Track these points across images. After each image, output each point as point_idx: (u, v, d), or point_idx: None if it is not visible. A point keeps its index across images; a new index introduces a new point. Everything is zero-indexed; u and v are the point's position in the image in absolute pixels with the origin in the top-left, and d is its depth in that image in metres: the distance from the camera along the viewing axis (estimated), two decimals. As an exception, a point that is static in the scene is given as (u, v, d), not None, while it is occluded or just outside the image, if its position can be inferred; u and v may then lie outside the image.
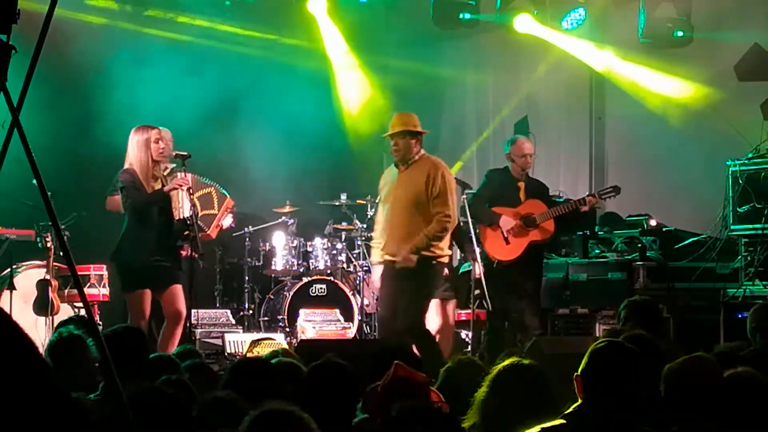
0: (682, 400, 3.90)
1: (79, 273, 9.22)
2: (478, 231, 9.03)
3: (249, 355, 8.01)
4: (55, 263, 9.32)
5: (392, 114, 8.17)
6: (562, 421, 3.59)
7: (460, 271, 10.13)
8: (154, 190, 7.94)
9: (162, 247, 7.99)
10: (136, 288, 7.93)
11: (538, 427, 3.51)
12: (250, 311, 11.00)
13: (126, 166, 7.97)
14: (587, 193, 9.61)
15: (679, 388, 3.95)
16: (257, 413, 3.04)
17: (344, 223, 11.25)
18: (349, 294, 10.54)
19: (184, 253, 8.27)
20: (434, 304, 8.63)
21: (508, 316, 8.94)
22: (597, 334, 9.10)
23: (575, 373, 3.55)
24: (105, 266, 9.60)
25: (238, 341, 9.60)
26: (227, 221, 8.80)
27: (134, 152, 7.94)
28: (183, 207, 8.16)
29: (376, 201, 7.90)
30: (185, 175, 8.11)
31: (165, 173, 8.33)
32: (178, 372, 4.64)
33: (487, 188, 9.04)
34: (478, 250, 8.91)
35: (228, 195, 8.82)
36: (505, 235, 8.75)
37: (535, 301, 8.99)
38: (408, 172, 7.79)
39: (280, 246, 10.86)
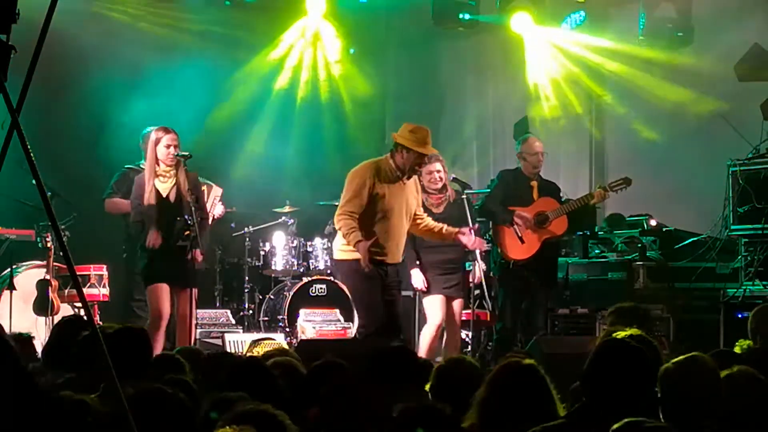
0: (678, 400, 3.90)
1: (79, 273, 9.22)
2: (491, 232, 9.03)
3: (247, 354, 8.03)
4: (55, 263, 9.32)
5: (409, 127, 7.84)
6: (564, 420, 3.60)
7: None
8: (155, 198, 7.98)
9: (178, 247, 8.03)
10: (150, 281, 7.99)
11: (539, 427, 3.52)
12: (250, 311, 11.00)
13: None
14: (587, 193, 9.61)
15: (674, 389, 3.95)
16: (230, 417, 3.04)
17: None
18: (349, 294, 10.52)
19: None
20: (439, 300, 8.63)
21: (519, 318, 8.95)
22: (597, 334, 9.10)
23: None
24: (105, 266, 9.59)
25: (238, 341, 9.59)
26: (218, 210, 8.77)
27: (147, 152, 8.09)
28: (213, 208, 8.23)
29: (382, 209, 7.80)
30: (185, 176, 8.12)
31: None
32: (183, 372, 4.63)
33: (500, 188, 9.05)
34: (479, 251, 8.91)
35: (213, 184, 8.78)
36: (520, 234, 8.76)
37: (545, 301, 8.99)
38: (408, 185, 7.88)
39: (280, 246, 10.86)
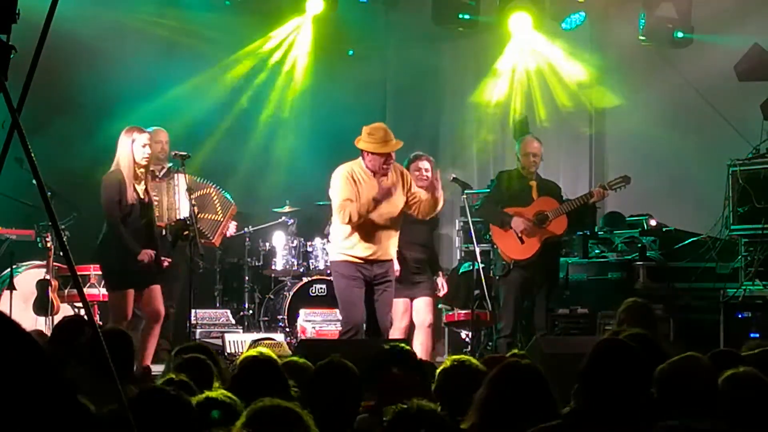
0: (675, 401, 3.89)
1: (79, 273, 9.22)
2: (491, 233, 9.02)
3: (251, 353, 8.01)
4: (55, 263, 9.32)
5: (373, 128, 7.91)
6: (561, 421, 3.59)
7: (460, 271, 10.13)
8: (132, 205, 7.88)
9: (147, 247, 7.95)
10: (118, 288, 7.93)
11: (536, 428, 3.51)
12: (250, 311, 11.00)
13: (113, 167, 7.89)
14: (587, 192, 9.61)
15: (671, 390, 3.94)
16: (255, 409, 3.04)
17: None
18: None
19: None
20: (401, 303, 8.46)
21: (519, 318, 8.94)
22: (597, 334, 9.10)
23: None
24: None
25: (238, 341, 9.60)
26: (231, 229, 8.83)
27: (121, 153, 7.86)
28: (180, 208, 8.14)
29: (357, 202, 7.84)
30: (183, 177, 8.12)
31: (161, 174, 8.27)
32: (210, 371, 4.58)
33: (498, 189, 9.05)
34: (478, 251, 8.91)
35: (232, 200, 8.80)
36: (519, 234, 8.75)
37: (545, 301, 8.99)
38: (389, 179, 7.90)
39: (280, 246, 10.86)
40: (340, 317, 8.33)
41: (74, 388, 1.80)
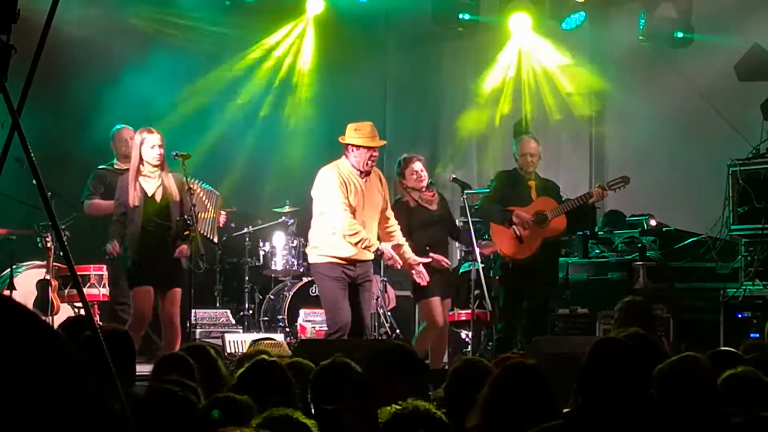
0: (674, 401, 3.89)
1: (79, 273, 9.22)
2: (490, 233, 9.03)
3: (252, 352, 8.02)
4: (55, 263, 9.32)
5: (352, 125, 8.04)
6: (561, 421, 3.60)
7: (460, 271, 10.12)
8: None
9: (164, 247, 8.02)
10: (139, 284, 7.98)
11: (537, 428, 3.52)
12: (250, 311, 11.00)
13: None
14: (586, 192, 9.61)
15: (671, 390, 3.94)
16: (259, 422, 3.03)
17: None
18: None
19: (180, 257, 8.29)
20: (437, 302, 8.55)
21: (519, 318, 8.94)
22: (597, 334, 9.10)
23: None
24: (105, 266, 9.58)
25: (238, 341, 9.60)
26: (221, 219, 8.84)
27: (133, 153, 8.06)
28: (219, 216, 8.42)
29: (350, 208, 7.88)
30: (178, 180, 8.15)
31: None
32: (191, 372, 4.58)
33: (497, 189, 9.05)
34: (478, 251, 8.91)
35: (215, 191, 8.80)
36: (518, 234, 8.75)
37: (545, 301, 8.99)
38: (371, 180, 8.01)
39: (280, 246, 10.86)
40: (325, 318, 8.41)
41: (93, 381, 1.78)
